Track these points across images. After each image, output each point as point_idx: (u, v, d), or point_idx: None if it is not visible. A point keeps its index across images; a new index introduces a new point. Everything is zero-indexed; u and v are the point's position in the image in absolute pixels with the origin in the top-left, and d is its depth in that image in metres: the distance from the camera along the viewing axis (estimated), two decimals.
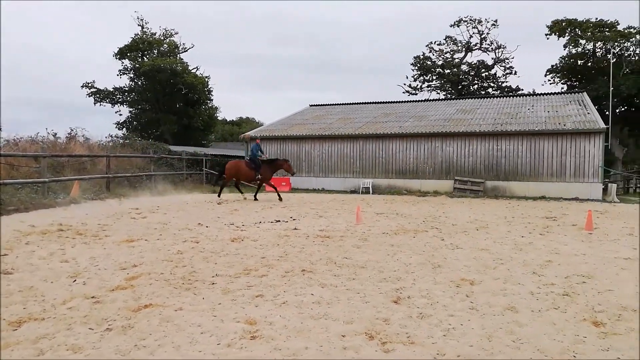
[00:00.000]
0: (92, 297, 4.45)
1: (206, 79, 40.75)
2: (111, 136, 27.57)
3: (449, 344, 3.40)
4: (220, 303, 4.34)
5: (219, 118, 52.35)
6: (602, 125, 18.82)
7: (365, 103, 30.71)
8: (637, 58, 35.97)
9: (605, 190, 19.50)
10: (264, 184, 16.52)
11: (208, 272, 5.52)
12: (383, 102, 30.32)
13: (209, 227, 9.17)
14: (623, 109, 35.99)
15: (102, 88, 39.80)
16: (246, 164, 15.93)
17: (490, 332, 3.64)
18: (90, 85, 39.33)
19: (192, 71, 40.18)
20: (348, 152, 23.20)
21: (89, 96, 39.49)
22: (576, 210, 13.89)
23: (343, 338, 3.50)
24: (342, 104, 31.24)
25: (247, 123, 68.38)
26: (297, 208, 13.56)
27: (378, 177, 22.43)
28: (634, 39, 35.52)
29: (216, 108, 44.65)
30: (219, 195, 15.77)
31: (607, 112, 28.37)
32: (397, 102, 30.81)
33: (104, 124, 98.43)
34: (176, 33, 42.57)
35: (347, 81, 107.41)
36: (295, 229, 9.19)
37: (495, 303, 4.40)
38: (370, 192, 21.51)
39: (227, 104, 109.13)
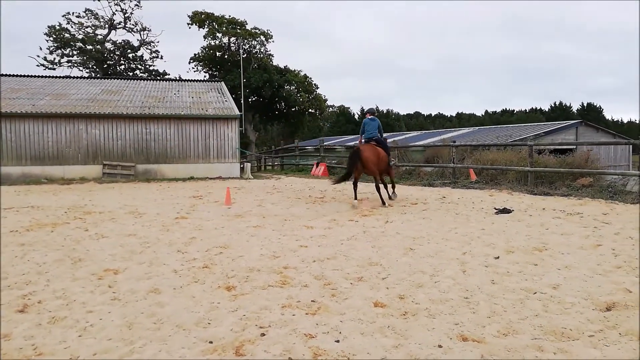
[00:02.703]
0: None
1: None
2: None
3: (85, 343, 3.14)
4: None
5: None
6: (237, 112, 21.54)
7: None
8: (262, 56, 42.72)
9: (242, 169, 22.49)
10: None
11: None
12: (10, 75, 25.29)
13: None
14: (254, 99, 42.21)
15: None
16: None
17: (131, 319, 3.56)
18: None
19: None
20: None
21: None
22: (219, 188, 15.45)
23: None
24: None
25: None
26: None
27: (7, 165, 18.72)
28: (259, 38, 41.96)
29: None
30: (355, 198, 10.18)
31: (241, 101, 32.60)
32: (28, 76, 26.25)
33: None
34: None
35: None
36: None
37: (139, 288, 4.36)
38: None
39: None
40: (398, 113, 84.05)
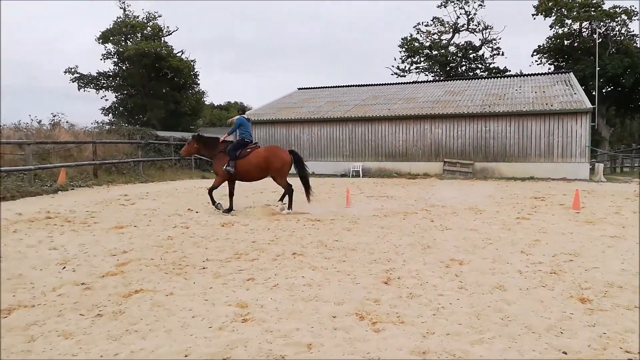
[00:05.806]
0: (82, 283, 4.43)
1: (192, 63, 40.19)
2: (97, 122, 27.21)
3: (438, 322, 3.45)
4: (211, 287, 4.35)
5: (207, 103, 51.84)
6: (589, 105, 18.96)
7: (353, 86, 30.55)
8: (622, 38, 36.09)
9: (592, 170, 19.75)
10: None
11: (198, 257, 5.51)
12: (372, 85, 30.19)
13: (199, 213, 9.13)
14: (609, 89, 36.21)
15: (85, 73, 39.06)
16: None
17: (478, 310, 3.70)
18: (73, 70, 38.53)
19: (177, 55, 39.56)
20: (338, 135, 23.15)
21: (73, 82, 38.73)
22: (564, 190, 14.05)
23: (334, 319, 3.53)
24: (331, 87, 31.06)
25: (234, 107, 67.71)
26: None
27: (368, 161, 22.45)
28: (619, 18, 35.57)
29: (203, 92, 44.16)
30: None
31: (593, 92, 28.57)
32: (385, 84, 30.68)
33: (88, 110, 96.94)
34: (159, 16, 41.77)
35: (334, 64, 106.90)
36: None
37: (484, 282, 4.47)
38: (361, 175, 21.55)
39: (214, 88, 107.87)
40: None
